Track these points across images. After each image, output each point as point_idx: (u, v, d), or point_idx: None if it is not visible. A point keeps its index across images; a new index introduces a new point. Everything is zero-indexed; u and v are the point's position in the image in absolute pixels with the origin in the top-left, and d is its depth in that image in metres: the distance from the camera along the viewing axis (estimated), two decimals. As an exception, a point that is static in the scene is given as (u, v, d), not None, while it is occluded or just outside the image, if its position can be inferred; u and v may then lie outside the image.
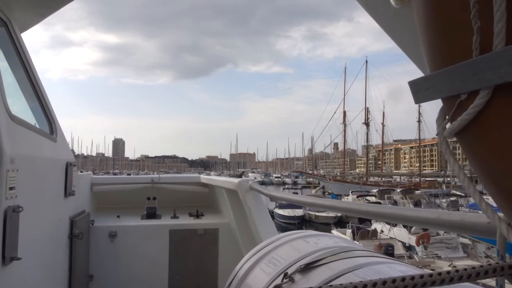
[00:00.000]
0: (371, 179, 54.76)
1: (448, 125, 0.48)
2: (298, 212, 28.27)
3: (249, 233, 3.37)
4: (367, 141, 58.91)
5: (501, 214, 0.47)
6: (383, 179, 53.99)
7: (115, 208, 4.76)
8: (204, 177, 5.00)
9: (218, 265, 4.09)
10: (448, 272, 0.52)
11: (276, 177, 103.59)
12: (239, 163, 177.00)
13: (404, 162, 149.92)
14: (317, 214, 27.77)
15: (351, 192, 34.43)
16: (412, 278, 0.52)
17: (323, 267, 1.35)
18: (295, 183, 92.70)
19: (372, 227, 19.92)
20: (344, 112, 57.83)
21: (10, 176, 1.89)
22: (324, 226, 24.48)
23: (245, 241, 3.61)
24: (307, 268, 1.37)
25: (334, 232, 19.30)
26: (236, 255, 3.56)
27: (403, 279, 0.51)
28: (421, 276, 0.52)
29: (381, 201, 28.35)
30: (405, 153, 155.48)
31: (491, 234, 0.96)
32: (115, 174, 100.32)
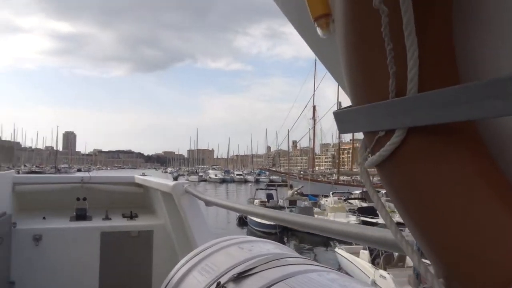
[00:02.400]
0: (342, 178, 52.84)
1: (369, 157, 0.52)
2: None
3: (184, 236, 3.25)
4: (339, 137, 57.16)
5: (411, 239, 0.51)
6: (353, 177, 52.32)
7: (40, 209, 4.37)
8: (138, 178, 4.75)
9: (152, 269, 3.90)
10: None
11: (237, 175, 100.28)
12: (198, 159, 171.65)
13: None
14: None
15: (332, 193, 31.26)
16: None
17: (256, 276, 1.36)
18: (257, 181, 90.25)
19: None
20: (314, 107, 55.78)
21: None
22: (312, 237, 21.23)
23: (180, 244, 3.50)
24: (240, 277, 1.37)
25: (341, 251, 15.94)
26: (171, 258, 3.61)
27: None
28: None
29: (372, 204, 26.14)
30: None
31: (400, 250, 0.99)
32: (59, 170, 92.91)
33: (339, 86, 1.05)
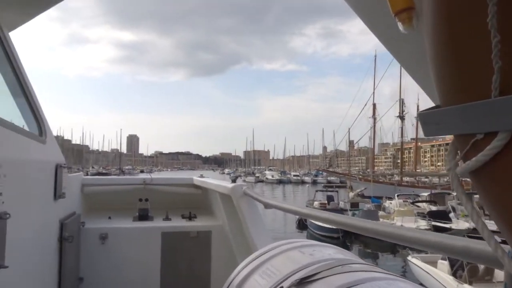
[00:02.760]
0: (405, 179, 49.69)
1: (460, 163, 0.48)
2: None
3: (243, 238, 3.24)
4: (402, 136, 53.82)
5: (506, 247, 0.46)
6: (418, 179, 49.00)
7: (106, 210, 4.62)
8: (197, 179, 4.83)
9: (210, 268, 3.99)
10: None
11: (294, 175, 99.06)
12: (254, 160, 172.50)
13: (424, 161, 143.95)
14: None
15: (397, 195, 28.99)
16: None
17: (319, 282, 1.31)
18: (314, 182, 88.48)
19: None
20: (374, 105, 53.02)
21: None
22: (378, 242, 19.77)
23: (239, 246, 3.49)
24: (302, 283, 1.33)
25: (415, 261, 14.46)
26: (229, 258, 3.66)
27: None
28: None
29: (442, 207, 23.84)
30: (425, 152, 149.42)
31: (496, 264, 0.93)
32: (123, 171, 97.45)
33: (424, 91, 1.05)
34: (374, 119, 53.75)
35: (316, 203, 28.09)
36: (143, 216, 4.28)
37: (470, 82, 0.44)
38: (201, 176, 5.47)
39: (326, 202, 28.15)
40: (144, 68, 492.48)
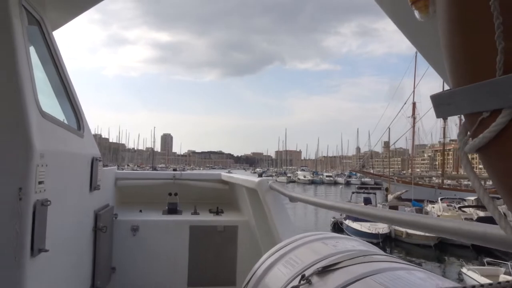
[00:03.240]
0: (446, 182, 47.09)
1: (470, 141, 0.49)
2: (382, 229, 21.28)
3: (268, 232, 3.31)
4: (444, 137, 51.28)
5: None
6: (459, 181, 46.23)
7: (137, 203, 4.78)
8: (225, 175, 4.96)
9: (236, 262, 4.10)
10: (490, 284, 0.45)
11: (327, 176, 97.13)
12: (286, 160, 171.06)
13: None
14: (410, 231, 19.47)
15: (440, 199, 27.12)
16: None
17: (341, 270, 1.35)
18: (348, 183, 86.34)
19: None
20: (414, 104, 50.65)
21: (40, 171, 1.97)
22: (420, 249, 18.20)
23: (264, 240, 3.55)
24: (325, 271, 1.38)
25: (471, 273, 13.05)
26: (254, 252, 3.67)
27: None
28: None
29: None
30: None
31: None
32: (155, 170, 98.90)
33: (441, 77, 1.07)
34: (414, 118, 51.38)
35: (352, 206, 26.83)
36: (173, 210, 4.40)
37: (477, 63, 0.46)
38: (229, 172, 5.56)
39: (364, 204, 26.74)
40: (179, 68, 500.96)
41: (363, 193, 30.45)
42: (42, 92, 2.27)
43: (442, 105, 0.50)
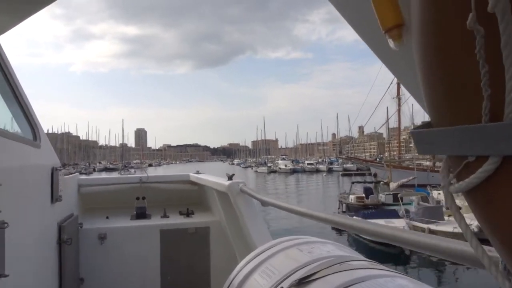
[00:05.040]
0: (438, 164, 45.36)
1: (454, 181, 0.48)
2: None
3: (241, 234, 3.21)
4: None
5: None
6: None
7: (103, 209, 4.59)
8: (193, 176, 4.78)
9: (210, 264, 4.02)
10: None
11: (308, 164, 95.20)
12: (264, 149, 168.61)
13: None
14: (432, 228, 16.80)
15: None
16: None
17: (319, 281, 1.31)
18: (330, 170, 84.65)
19: None
20: (398, 84, 48.56)
21: None
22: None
23: (237, 242, 3.45)
24: (302, 283, 1.34)
25: None
26: (228, 254, 3.66)
27: None
28: None
29: None
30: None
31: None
32: (125, 166, 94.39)
33: (418, 103, 1.06)
34: (399, 99, 49.29)
35: (351, 197, 24.19)
36: (141, 214, 4.27)
37: (461, 105, 0.45)
38: (197, 172, 4.89)
39: (364, 195, 24.13)
40: (150, 61, 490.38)
41: (364, 182, 27.90)
42: None
43: (424, 143, 0.48)
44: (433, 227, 17.06)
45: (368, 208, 21.91)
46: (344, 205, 24.07)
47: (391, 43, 0.74)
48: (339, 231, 20.00)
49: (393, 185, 26.34)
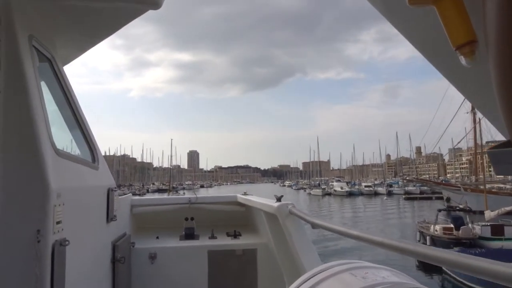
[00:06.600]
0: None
1: None
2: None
3: (290, 257, 3.14)
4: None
5: None
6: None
7: (154, 229, 4.73)
8: (241, 197, 4.82)
9: (257, 287, 4.00)
10: None
11: (366, 186, 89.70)
12: (317, 171, 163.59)
13: None
14: None
15: None
16: None
17: None
18: (389, 192, 78.88)
19: None
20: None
21: (57, 211, 1.98)
22: None
23: (285, 264, 3.41)
24: None
25: None
26: (276, 276, 3.62)
27: None
28: None
29: None
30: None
31: None
32: (174, 188, 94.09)
33: (492, 125, 1.07)
34: (474, 114, 44.19)
35: (437, 228, 20.37)
36: (189, 235, 4.33)
37: None
38: (245, 193, 4.83)
39: (453, 225, 19.77)
40: (202, 86, 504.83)
41: (454, 210, 23.69)
42: (55, 127, 2.27)
43: (503, 163, 0.44)
44: None
45: (461, 243, 18.11)
46: (427, 237, 20.30)
47: (462, 60, 0.72)
48: (426, 271, 16.36)
49: (489, 214, 21.79)
